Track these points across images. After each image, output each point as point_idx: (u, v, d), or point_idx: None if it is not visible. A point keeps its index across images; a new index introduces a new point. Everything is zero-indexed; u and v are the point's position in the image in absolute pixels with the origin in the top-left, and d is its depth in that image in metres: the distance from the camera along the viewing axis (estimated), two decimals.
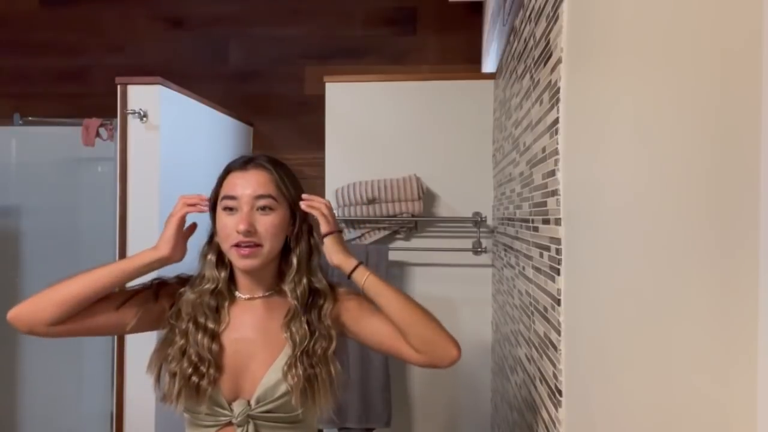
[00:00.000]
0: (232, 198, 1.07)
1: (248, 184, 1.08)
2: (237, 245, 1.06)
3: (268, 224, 1.07)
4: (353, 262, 1.11)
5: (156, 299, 1.13)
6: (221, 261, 1.14)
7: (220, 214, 1.09)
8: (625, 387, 0.64)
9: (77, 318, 1.05)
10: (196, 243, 1.18)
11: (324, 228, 1.13)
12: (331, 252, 1.13)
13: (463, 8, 2.84)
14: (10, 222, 2.88)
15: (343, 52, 2.94)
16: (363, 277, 1.10)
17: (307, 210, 1.12)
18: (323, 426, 2.12)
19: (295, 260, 1.12)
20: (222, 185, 1.11)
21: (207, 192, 1.14)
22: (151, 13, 3.03)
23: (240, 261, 1.07)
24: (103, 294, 1.06)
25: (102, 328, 1.09)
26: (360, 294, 1.14)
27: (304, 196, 1.13)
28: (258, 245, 1.06)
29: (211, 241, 1.15)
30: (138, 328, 1.11)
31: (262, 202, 1.07)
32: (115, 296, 1.10)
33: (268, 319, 1.12)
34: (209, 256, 1.13)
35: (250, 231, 1.05)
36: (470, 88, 2.25)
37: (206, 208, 1.12)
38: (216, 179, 1.14)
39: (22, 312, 1.04)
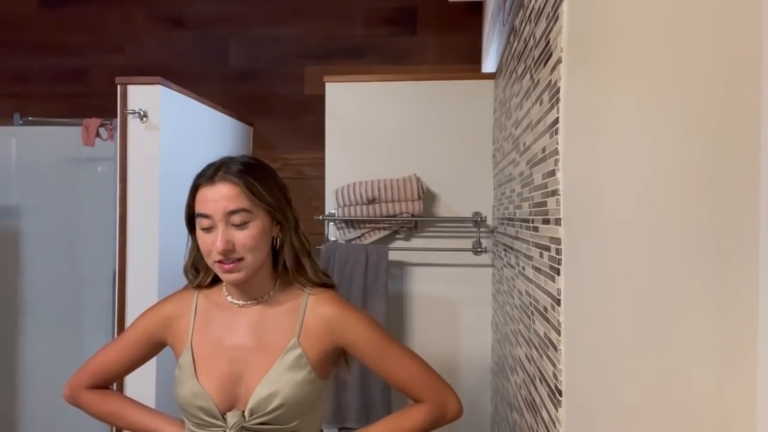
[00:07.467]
0: (206, 216, 1.04)
1: (219, 199, 1.03)
2: (219, 261, 1.04)
3: (246, 238, 1.03)
4: None
5: (159, 339, 1.20)
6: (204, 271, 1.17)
7: (198, 231, 1.06)
8: (625, 387, 0.64)
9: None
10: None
11: None
12: None
13: (463, 8, 2.83)
14: (10, 222, 2.88)
15: (343, 52, 2.93)
16: None
17: None
18: (323, 426, 2.12)
19: (288, 263, 1.11)
20: (195, 200, 1.07)
21: None
22: (151, 13, 3.03)
23: (225, 276, 1.06)
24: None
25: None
26: (367, 317, 1.14)
27: None
28: (240, 259, 1.04)
29: (192, 256, 1.15)
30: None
31: (235, 218, 1.03)
32: (130, 355, 1.24)
33: (264, 326, 1.10)
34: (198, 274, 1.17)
35: (229, 249, 1.03)
36: (470, 88, 2.24)
37: None
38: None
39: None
